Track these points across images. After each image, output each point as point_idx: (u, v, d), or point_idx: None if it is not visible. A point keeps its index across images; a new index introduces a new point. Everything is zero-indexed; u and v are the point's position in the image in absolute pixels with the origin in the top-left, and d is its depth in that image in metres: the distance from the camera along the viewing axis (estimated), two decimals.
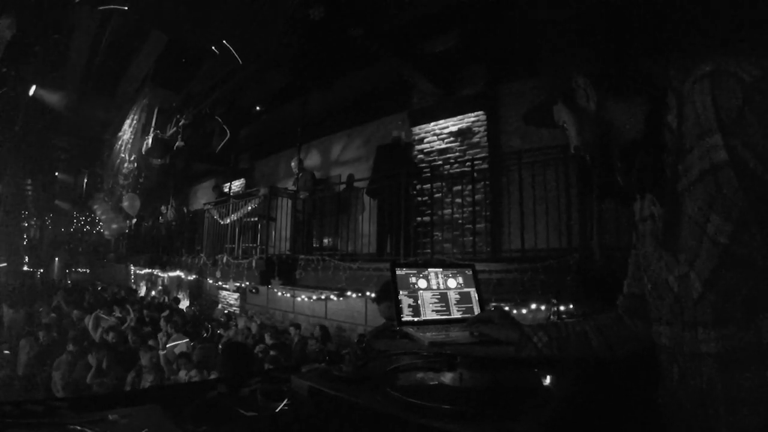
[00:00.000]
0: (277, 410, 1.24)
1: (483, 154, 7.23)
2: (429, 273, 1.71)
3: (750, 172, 0.86)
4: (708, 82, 0.91)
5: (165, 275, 16.12)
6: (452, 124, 7.72)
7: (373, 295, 5.00)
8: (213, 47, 8.02)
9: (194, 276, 12.35)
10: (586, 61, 1.10)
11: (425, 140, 8.02)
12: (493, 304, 5.03)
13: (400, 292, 1.61)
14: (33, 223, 28.98)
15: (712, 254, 0.93)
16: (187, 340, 7.93)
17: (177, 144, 12.25)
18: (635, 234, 1.25)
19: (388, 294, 2.94)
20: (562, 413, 1.05)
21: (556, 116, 1.21)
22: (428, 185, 7.27)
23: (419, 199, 7.44)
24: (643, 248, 1.19)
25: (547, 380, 1.25)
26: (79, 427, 1.01)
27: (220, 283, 11.48)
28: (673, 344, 1.07)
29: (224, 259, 9.72)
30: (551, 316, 3.85)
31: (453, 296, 1.71)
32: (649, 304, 1.19)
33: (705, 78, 0.92)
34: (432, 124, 7.97)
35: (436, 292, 1.68)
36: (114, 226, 17.62)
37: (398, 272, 1.65)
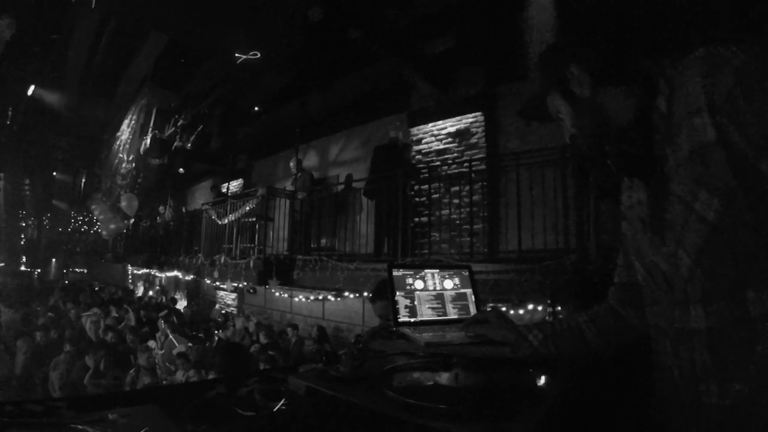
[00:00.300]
0: (275, 410, 1.25)
1: (481, 155, 7.24)
2: (426, 274, 1.72)
3: (737, 150, 0.88)
4: (699, 65, 0.93)
5: (162, 275, 16.11)
6: (450, 125, 7.73)
7: (369, 295, 5.03)
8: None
9: (192, 276, 12.35)
10: (586, 60, 1.11)
11: (423, 141, 8.03)
12: (490, 304, 5.05)
13: (397, 293, 1.62)
14: (31, 222, 28.91)
15: (699, 231, 0.95)
16: (186, 340, 7.93)
17: (175, 144, 12.25)
18: (624, 223, 1.27)
19: (383, 292, 2.95)
20: (557, 412, 1.06)
21: (551, 107, 1.22)
22: (426, 186, 7.27)
23: (417, 199, 7.44)
24: (633, 235, 1.21)
25: (542, 380, 1.26)
26: (80, 427, 1.02)
27: (217, 283, 11.48)
28: (666, 323, 1.08)
29: (222, 260, 9.72)
30: (547, 317, 3.87)
31: (449, 297, 1.72)
32: (642, 290, 1.20)
33: (696, 61, 0.94)
34: (430, 124, 7.98)
35: (432, 293, 1.69)
36: (112, 226, 17.61)
37: (395, 273, 1.66)
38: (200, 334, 9.41)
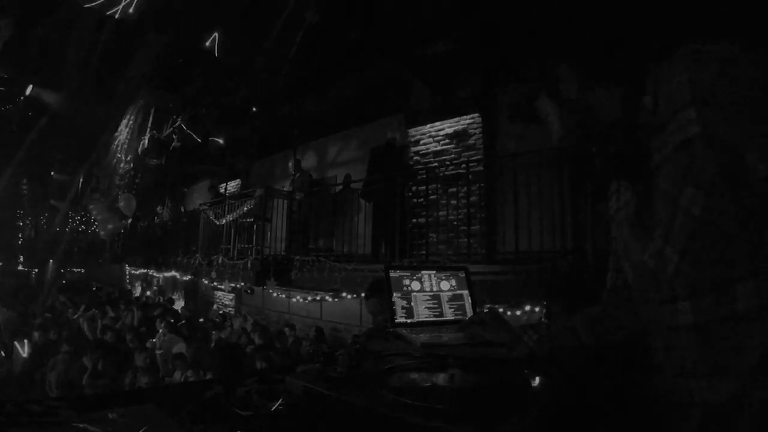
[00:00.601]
0: (273, 409, 1.26)
1: (478, 156, 7.26)
2: (422, 275, 1.73)
3: (724, 143, 0.88)
4: (684, 60, 0.94)
5: (160, 275, 16.11)
6: (448, 126, 7.75)
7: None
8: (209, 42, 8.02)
9: (190, 276, 12.34)
10: (575, 60, 1.12)
11: (421, 142, 8.04)
12: (487, 306, 5.06)
13: (394, 294, 1.63)
14: (28, 222, 28.88)
15: (685, 226, 0.95)
16: (183, 341, 7.93)
17: (173, 144, 12.26)
18: (613, 226, 1.28)
19: (375, 291, 2.97)
20: (551, 412, 1.08)
21: (540, 109, 1.23)
22: (424, 187, 7.29)
23: (414, 200, 7.46)
24: (621, 236, 1.22)
25: (537, 380, 1.28)
26: (81, 425, 1.03)
27: (215, 283, 11.48)
28: (656, 322, 1.09)
29: (220, 260, 9.72)
30: (543, 318, 3.88)
31: (446, 298, 1.73)
32: (632, 291, 1.21)
33: (682, 57, 0.95)
34: (428, 125, 7.99)
35: (429, 294, 1.70)
36: (110, 226, 17.59)
37: (392, 274, 1.67)
38: (198, 335, 9.41)
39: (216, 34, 7.87)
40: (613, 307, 1.35)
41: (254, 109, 10.75)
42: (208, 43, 8.07)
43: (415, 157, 8.05)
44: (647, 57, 1.05)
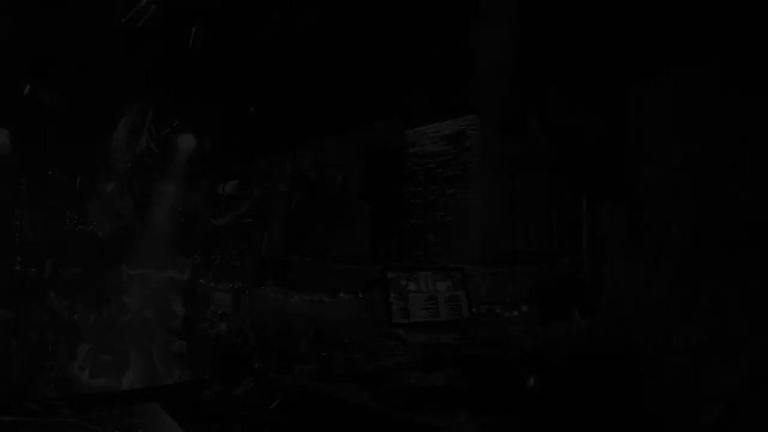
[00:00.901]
0: (271, 408, 1.28)
1: (476, 158, 7.26)
2: (419, 276, 1.74)
3: (706, 171, 0.88)
4: (669, 86, 0.94)
5: (158, 275, 16.07)
6: (447, 127, 7.74)
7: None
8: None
9: (187, 276, 12.33)
10: (563, 81, 1.13)
11: (419, 143, 8.04)
12: (484, 307, 5.07)
13: (391, 295, 1.64)
14: (26, 222, 28.78)
15: (674, 256, 0.95)
16: (181, 341, 7.94)
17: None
18: (608, 244, 1.29)
19: (372, 288, 3.00)
20: (541, 410, 1.09)
21: (530, 125, 1.24)
22: (421, 188, 7.29)
23: (412, 201, 7.47)
24: (613, 257, 1.22)
25: (531, 380, 1.29)
26: (81, 425, 1.04)
27: (213, 283, 11.47)
28: (647, 345, 1.10)
29: (218, 260, 9.72)
30: (539, 320, 3.89)
31: (443, 299, 1.74)
32: (625, 312, 1.22)
33: (667, 83, 0.95)
34: (426, 127, 7.98)
35: (425, 295, 1.71)
36: (107, 225, 17.53)
37: (389, 275, 1.68)
38: (196, 335, 9.40)
39: (213, 33, 7.86)
40: (607, 322, 1.36)
41: (252, 108, 10.74)
42: (206, 43, 8.06)
43: (413, 158, 8.05)
44: (633, 80, 1.05)
